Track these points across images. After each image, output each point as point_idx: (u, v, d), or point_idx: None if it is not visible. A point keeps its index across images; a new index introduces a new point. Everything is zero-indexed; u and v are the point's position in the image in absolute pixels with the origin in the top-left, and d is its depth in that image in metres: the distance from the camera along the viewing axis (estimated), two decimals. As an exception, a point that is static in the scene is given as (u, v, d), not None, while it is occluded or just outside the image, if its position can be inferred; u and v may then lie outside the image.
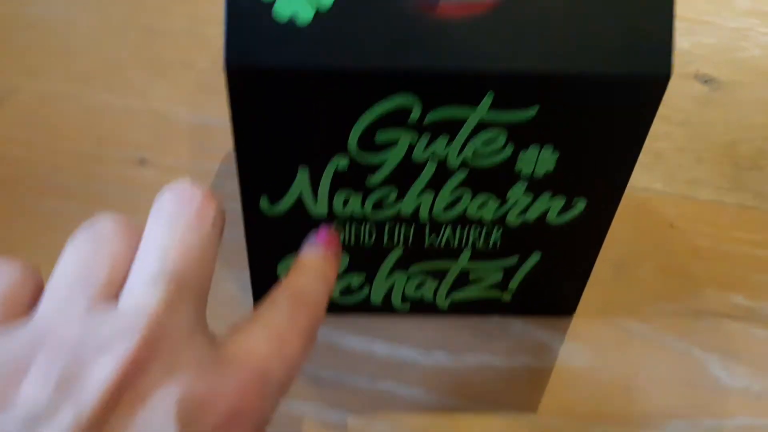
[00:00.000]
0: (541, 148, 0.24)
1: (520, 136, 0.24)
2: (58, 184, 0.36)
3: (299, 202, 0.26)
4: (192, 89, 0.40)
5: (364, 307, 0.31)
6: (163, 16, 0.44)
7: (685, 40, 0.45)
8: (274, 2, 0.21)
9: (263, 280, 0.30)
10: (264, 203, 0.26)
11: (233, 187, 0.35)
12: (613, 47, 0.22)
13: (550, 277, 0.30)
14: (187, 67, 0.41)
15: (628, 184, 0.37)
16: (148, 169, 0.36)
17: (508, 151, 0.24)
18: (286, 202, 0.26)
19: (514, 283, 0.30)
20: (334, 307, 0.31)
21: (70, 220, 0.34)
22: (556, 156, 0.25)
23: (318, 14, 0.21)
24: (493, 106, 0.23)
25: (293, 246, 0.28)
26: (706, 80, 0.43)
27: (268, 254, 0.28)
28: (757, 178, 0.38)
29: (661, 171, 0.38)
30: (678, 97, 0.41)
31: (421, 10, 0.22)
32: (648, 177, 0.38)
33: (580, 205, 0.26)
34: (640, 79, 0.22)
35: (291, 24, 0.21)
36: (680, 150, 0.39)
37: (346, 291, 0.30)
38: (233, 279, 0.33)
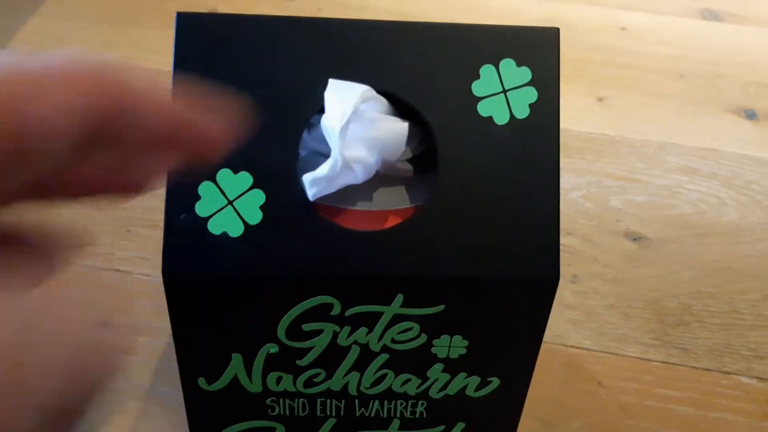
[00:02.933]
0: (452, 336, 0.27)
1: (432, 327, 0.27)
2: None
3: (235, 382, 0.28)
4: (156, 248, 0.43)
5: (303, 473, 0.32)
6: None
7: (617, 198, 0.49)
8: (209, 218, 0.25)
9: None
10: (202, 382, 0.28)
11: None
12: (507, 255, 0.25)
13: (476, 443, 0.32)
14: (152, 227, 0.44)
15: (560, 341, 0.40)
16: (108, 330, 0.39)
17: (423, 338, 0.27)
18: (223, 382, 0.28)
19: (442, 450, 0.32)
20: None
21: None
22: (466, 342, 0.27)
23: (247, 229, 0.25)
24: (404, 304, 0.26)
25: (231, 419, 0.30)
26: (636, 238, 0.46)
27: (208, 426, 0.30)
28: (681, 334, 0.41)
29: (591, 328, 0.41)
30: (609, 254, 0.45)
31: (336, 224, 0.25)
32: (578, 335, 0.40)
33: (495, 383, 0.29)
34: (531, 283, 0.25)
35: (223, 237, 0.25)
36: (610, 307, 0.42)
37: (284, 458, 0.32)
38: (181, 441, 0.34)
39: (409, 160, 0.27)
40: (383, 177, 0.28)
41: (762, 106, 0.57)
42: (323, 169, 0.23)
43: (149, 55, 0.57)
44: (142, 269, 0.42)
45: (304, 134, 0.26)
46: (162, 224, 0.44)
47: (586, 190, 0.49)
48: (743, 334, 0.41)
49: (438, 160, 0.25)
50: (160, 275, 0.42)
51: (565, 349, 0.40)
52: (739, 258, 0.45)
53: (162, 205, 0.45)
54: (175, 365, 0.37)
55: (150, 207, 0.45)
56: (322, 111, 0.26)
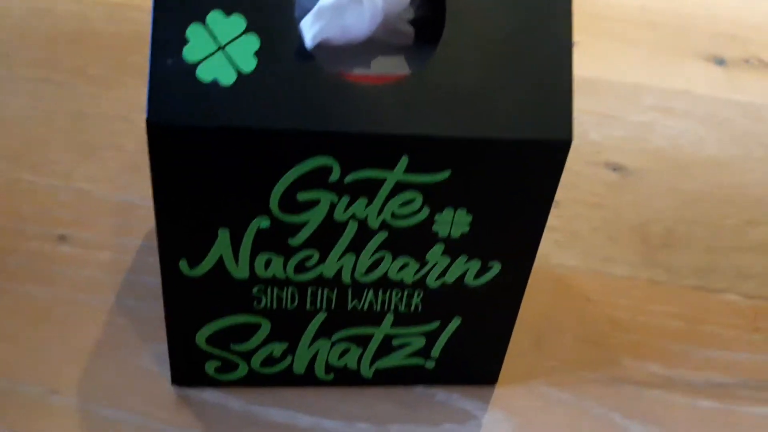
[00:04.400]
0: (456, 210, 0.25)
1: (436, 198, 0.25)
2: (-28, 259, 0.35)
3: (220, 265, 0.26)
4: (118, 170, 0.40)
5: (287, 379, 0.30)
6: (93, 101, 0.44)
7: (595, 132, 0.48)
8: (198, 64, 0.22)
9: (182, 351, 0.29)
10: (184, 266, 0.26)
11: (154, 262, 0.35)
12: (518, 115, 0.24)
13: (471, 343, 0.30)
14: (114, 149, 0.41)
15: (546, 261, 0.39)
16: (67, 246, 0.36)
17: (425, 212, 0.25)
18: (206, 265, 0.26)
19: (436, 351, 0.30)
20: (256, 379, 0.30)
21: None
22: (470, 218, 0.26)
23: (240, 77, 0.22)
24: (409, 169, 0.24)
25: (213, 313, 0.28)
26: (616, 168, 0.45)
27: (187, 322, 0.28)
28: (667, 255, 0.40)
29: (577, 249, 0.40)
30: (591, 183, 0.44)
31: (340, 76, 0.23)
32: (565, 254, 0.39)
33: (495, 268, 0.27)
34: (543, 145, 0.24)
35: (213, 85, 0.22)
36: (594, 230, 0.41)
37: (268, 361, 0.29)
38: (150, 353, 0.32)
39: (411, 24, 0.26)
40: (382, 44, 0.26)
41: (730, 54, 0.57)
42: (330, -4, 0.21)
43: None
44: (104, 188, 0.39)
45: (299, -10, 0.24)
46: (125, 147, 0.41)
47: (565, 123, 0.48)
48: (727, 255, 0.40)
49: (445, 14, 0.24)
50: (124, 194, 0.40)
51: (551, 268, 0.38)
52: (719, 187, 0.45)
53: (123, 127, 0.43)
54: (143, 279, 0.35)
55: (112, 130, 0.43)
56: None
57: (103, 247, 0.36)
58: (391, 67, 0.25)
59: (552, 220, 0.41)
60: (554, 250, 0.39)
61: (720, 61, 0.57)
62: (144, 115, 0.43)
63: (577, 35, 0.57)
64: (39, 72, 0.46)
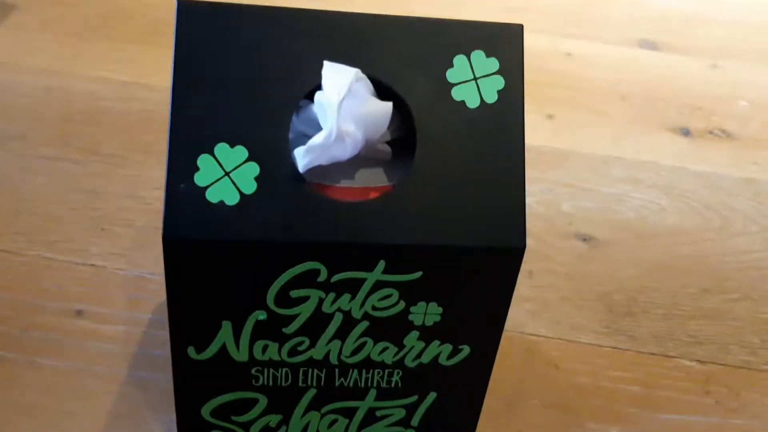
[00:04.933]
0: (428, 303, 0.29)
1: (410, 294, 0.29)
2: (0, 334, 0.39)
3: (223, 350, 0.30)
4: (129, 246, 0.44)
5: (282, 446, 0.34)
6: (105, 179, 0.49)
7: (567, 204, 0.52)
8: (207, 187, 0.26)
9: (188, 423, 0.33)
10: (191, 351, 0.30)
11: (164, 335, 0.39)
12: (479, 225, 0.28)
13: (446, 413, 0.34)
14: (125, 226, 0.45)
15: (520, 329, 0.43)
16: (83, 320, 0.40)
17: (401, 305, 0.29)
18: (211, 350, 0.30)
19: (416, 420, 0.34)
20: (254, 447, 0.34)
21: (12, 369, 0.37)
22: (441, 309, 0.30)
23: (243, 198, 0.27)
24: (386, 270, 0.28)
25: (217, 389, 0.31)
26: (585, 238, 0.50)
27: (194, 397, 0.32)
28: (629, 323, 0.44)
29: (547, 318, 0.43)
30: (562, 253, 0.48)
31: (325, 195, 0.27)
32: (536, 323, 0.43)
33: (465, 350, 0.31)
34: (500, 251, 0.28)
35: (220, 205, 0.26)
36: (564, 299, 0.45)
37: (265, 430, 0.33)
38: (159, 422, 0.35)
39: (388, 144, 0.30)
40: (364, 159, 0.30)
41: (695, 125, 0.62)
42: (318, 138, 0.26)
43: (117, 67, 0.58)
44: (117, 264, 0.43)
45: (293, 117, 0.28)
46: (135, 223, 0.45)
47: (539, 196, 0.52)
48: (684, 323, 0.44)
49: (416, 140, 0.28)
50: (135, 270, 0.44)
51: (523, 337, 0.42)
52: (679, 257, 0.49)
53: (135, 205, 0.47)
54: (153, 351, 0.38)
55: (123, 207, 0.47)
56: (308, 96, 0.28)
57: (117, 321, 0.40)
58: (372, 179, 0.30)
59: (526, 290, 0.45)
60: (527, 319, 0.43)
61: (685, 132, 0.61)
62: (151, 192, 0.47)
63: (554, 108, 0.62)
64: (54, 151, 0.50)
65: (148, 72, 0.58)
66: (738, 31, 0.75)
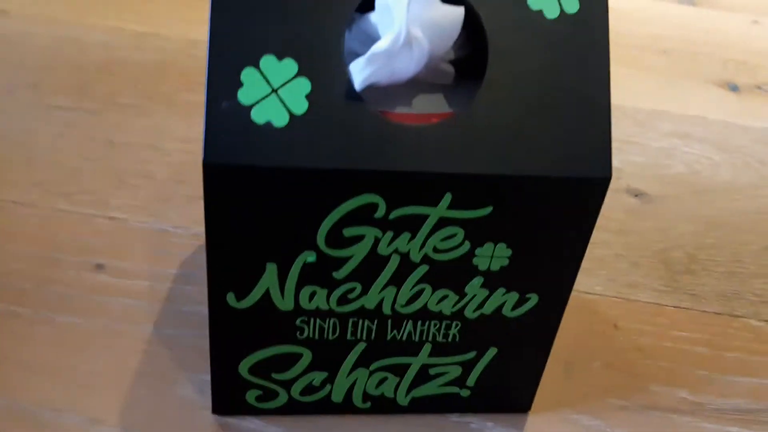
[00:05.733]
0: (496, 244, 0.26)
1: (476, 233, 0.26)
2: (12, 288, 0.35)
3: (266, 298, 0.27)
4: (150, 198, 0.41)
5: (325, 407, 0.31)
6: (123, 130, 0.45)
7: (615, 158, 0.49)
8: (252, 106, 0.23)
9: (224, 380, 0.30)
10: (231, 299, 0.26)
11: (191, 291, 0.36)
12: (557, 153, 0.24)
13: (506, 373, 0.31)
14: (146, 178, 0.42)
15: (573, 288, 0.39)
16: (104, 274, 0.37)
17: (466, 247, 0.26)
18: (253, 297, 0.26)
19: (472, 379, 0.31)
20: (295, 407, 0.31)
21: (25, 323, 0.34)
22: (509, 252, 0.26)
23: (292, 119, 0.23)
24: (451, 205, 0.25)
25: (257, 343, 0.28)
26: (637, 194, 0.46)
27: (231, 352, 0.28)
28: (690, 281, 0.41)
29: (602, 276, 0.40)
30: (612, 209, 0.45)
31: (386, 117, 0.24)
32: (590, 281, 0.40)
33: (533, 300, 0.28)
34: (582, 182, 0.24)
35: (267, 127, 0.23)
36: (618, 256, 0.42)
37: (308, 389, 0.30)
38: (190, 382, 0.32)
39: (451, 64, 0.26)
40: (423, 83, 0.27)
41: (742, 80, 0.58)
42: (384, 43, 0.22)
43: (131, 17, 0.55)
44: (139, 217, 0.40)
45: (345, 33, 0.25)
46: (156, 175, 0.42)
47: (584, 150, 0.49)
48: (748, 281, 0.41)
49: (486, 56, 0.24)
50: (158, 223, 0.41)
51: (578, 295, 0.39)
52: (737, 213, 0.45)
53: (153, 156, 0.43)
54: (181, 307, 0.35)
55: (142, 158, 0.43)
56: (361, 8, 0.25)
57: (140, 276, 0.37)
58: (431, 106, 0.26)
59: (575, 246, 0.42)
60: (580, 276, 0.40)
61: (733, 87, 0.58)
62: (172, 144, 0.44)
63: (593, 61, 0.58)
64: (68, 101, 0.47)
65: (163, 22, 0.55)
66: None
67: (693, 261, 0.42)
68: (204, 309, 0.35)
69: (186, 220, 0.40)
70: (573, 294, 0.39)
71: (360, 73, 0.23)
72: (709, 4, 0.68)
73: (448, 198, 0.25)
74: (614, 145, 0.50)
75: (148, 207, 0.40)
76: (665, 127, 0.52)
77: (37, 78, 0.48)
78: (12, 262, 0.37)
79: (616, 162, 0.49)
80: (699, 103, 0.55)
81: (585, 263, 0.41)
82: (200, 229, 0.39)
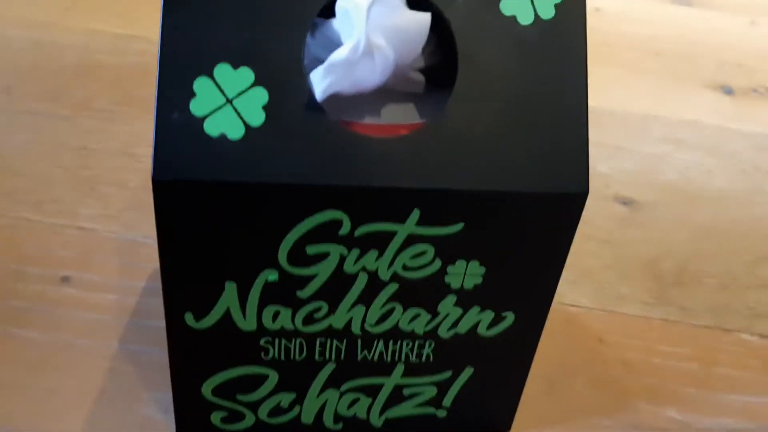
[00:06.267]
0: (469, 261, 0.25)
1: (448, 251, 0.24)
2: (-26, 303, 0.34)
3: (226, 317, 0.25)
4: (121, 207, 0.40)
5: (295, 429, 0.29)
6: (97, 136, 0.44)
7: (604, 165, 0.48)
8: (205, 118, 0.22)
9: (187, 402, 0.28)
10: (189, 319, 0.25)
11: (158, 304, 0.35)
12: (532, 166, 0.23)
13: (484, 392, 0.29)
14: (118, 186, 0.41)
15: (558, 300, 0.38)
16: (70, 287, 0.35)
17: (437, 264, 0.25)
18: (213, 317, 0.25)
19: (448, 400, 0.29)
20: (263, 429, 0.29)
21: (-16, 339, 0.33)
22: (483, 269, 0.25)
23: (248, 131, 0.22)
24: (420, 221, 0.23)
25: (220, 364, 0.27)
26: (626, 202, 0.45)
27: (192, 373, 0.27)
28: (680, 293, 0.39)
29: (588, 287, 0.39)
30: (600, 218, 0.43)
31: (349, 129, 0.23)
32: (576, 293, 0.39)
33: (509, 318, 0.27)
34: (559, 197, 0.23)
35: (221, 139, 0.22)
36: (606, 267, 0.40)
37: (276, 411, 0.29)
38: (155, 401, 0.31)
39: (421, 72, 0.25)
40: (392, 92, 0.25)
41: (737, 83, 0.57)
42: (342, 52, 0.21)
43: (111, 18, 0.54)
44: (109, 227, 0.38)
45: (307, 38, 0.24)
46: (128, 183, 0.41)
47: (573, 156, 0.48)
48: (740, 293, 0.40)
49: (456, 65, 0.23)
50: (128, 233, 0.39)
51: (563, 308, 0.38)
52: (730, 221, 0.44)
53: (126, 163, 0.42)
54: (147, 323, 0.34)
55: (115, 165, 0.42)
56: (324, 13, 0.23)
57: (107, 289, 0.35)
58: (401, 115, 0.25)
59: (562, 257, 0.41)
60: (566, 288, 0.39)
61: (728, 90, 0.57)
62: (147, 150, 0.43)
63: (584, 64, 0.57)
64: (43, 106, 0.46)
65: (144, 24, 0.53)
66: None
67: (683, 272, 0.41)
68: (173, 324, 0.33)
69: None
70: (557, 307, 0.38)
71: (320, 83, 0.22)
72: (705, 5, 0.66)
73: (416, 214, 0.23)
74: (604, 151, 0.49)
75: (118, 216, 0.39)
76: (657, 132, 0.51)
77: (10, 82, 0.47)
78: (-25, 275, 0.35)
79: (605, 169, 0.47)
80: (693, 106, 0.54)
81: (571, 275, 0.40)
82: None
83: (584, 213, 0.43)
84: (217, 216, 0.22)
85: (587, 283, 0.39)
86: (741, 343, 0.37)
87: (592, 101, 0.53)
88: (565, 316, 0.37)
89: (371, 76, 0.22)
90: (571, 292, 0.39)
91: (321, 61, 0.24)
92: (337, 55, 0.21)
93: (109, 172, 0.42)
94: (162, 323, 0.34)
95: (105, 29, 0.52)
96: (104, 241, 0.38)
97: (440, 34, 0.24)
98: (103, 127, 0.45)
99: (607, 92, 0.54)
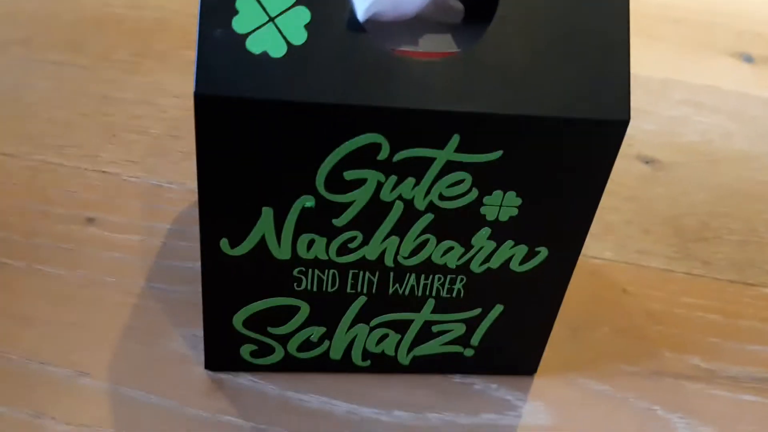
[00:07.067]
0: (505, 192, 0.25)
1: (485, 180, 0.24)
2: (2, 240, 0.34)
3: (261, 245, 0.25)
4: (144, 153, 0.40)
5: (323, 364, 0.29)
6: (117, 85, 0.44)
7: (625, 123, 0.47)
8: (248, 35, 0.22)
9: (217, 334, 0.28)
10: (225, 245, 0.25)
11: (184, 246, 0.35)
12: (573, 93, 0.23)
13: (512, 332, 0.29)
14: (139, 133, 0.41)
15: (581, 252, 0.38)
16: (95, 228, 0.35)
17: (473, 194, 0.25)
18: (248, 244, 0.25)
19: (476, 339, 0.29)
20: (291, 364, 0.29)
21: (13, 275, 0.33)
22: (519, 201, 0.25)
23: (290, 49, 0.22)
24: (459, 148, 0.23)
25: (253, 294, 0.27)
26: (648, 161, 0.45)
27: (225, 304, 0.27)
28: (703, 249, 0.39)
29: (612, 241, 0.39)
30: (623, 175, 0.43)
31: (391, 52, 0.22)
32: (599, 246, 0.38)
33: (542, 254, 0.27)
34: (600, 124, 0.23)
35: (263, 57, 0.22)
36: (628, 222, 0.40)
37: (305, 345, 0.29)
38: (182, 337, 0.31)
39: (460, 1, 0.25)
40: (430, 22, 0.25)
41: (757, 51, 0.57)
42: (390, -36, 0.21)
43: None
44: (131, 171, 0.38)
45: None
46: (150, 130, 0.41)
47: (594, 115, 0.47)
48: (763, 250, 0.40)
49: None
50: (151, 178, 0.39)
51: (586, 260, 0.38)
52: (752, 182, 0.44)
53: (148, 111, 0.42)
54: (173, 263, 0.34)
55: (136, 114, 0.42)
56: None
57: (131, 230, 0.35)
58: (439, 45, 0.25)
59: (584, 211, 0.40)
60: (589, 241, 0.38)
61: (748, 58, 0.56)
62: (168, 100, 0.42)
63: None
64: (62, 56, 0.45)
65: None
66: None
67: (706, 228, 0.40)
68: (197, 265, 0.33)
69: (181, 176, 0.38)
70: (581, 258, 0.38)
71: (362, 2, 0.21)
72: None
73: (456, 140, 0.23)
74: (625, 111, 0.48)
75: (141, 162, 0.39)
76: (678, 96, 0.51)
77: (30, 33, 0.47)
78: (1, 214, 0.35)
79: (628, 129, 0.47)
80: (712, 73, 0.53)
81: (594, 228, 0.39)
82: (195, 185, 0.38)
83: (606, 170, 0.43)
84: (256, 136, 0.22)
85: (610, 238, 0.39)
86: (764, 297, 0.37)
87: (613, 64, 0.53)
88: (589, 267, 0.37)
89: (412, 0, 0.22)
90: (595, 245, 0.39)
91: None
92: (385, -32, 0.21)
93: (130, 119, 0.42)
94: (187, 263, 0.34)
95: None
96: (128, 185, 0.38)
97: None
98: (124, 77, 0.45)
99: (628, 56, 0.54)
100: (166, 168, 0.39)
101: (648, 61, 0.54)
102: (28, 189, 0.37)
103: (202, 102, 0.21)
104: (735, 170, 0.45)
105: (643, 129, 0.47)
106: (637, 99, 0.50)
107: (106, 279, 0.33)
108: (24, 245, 0.34)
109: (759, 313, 0.36)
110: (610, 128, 0.23)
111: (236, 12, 0.22)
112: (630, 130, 0.47)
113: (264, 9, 0.22)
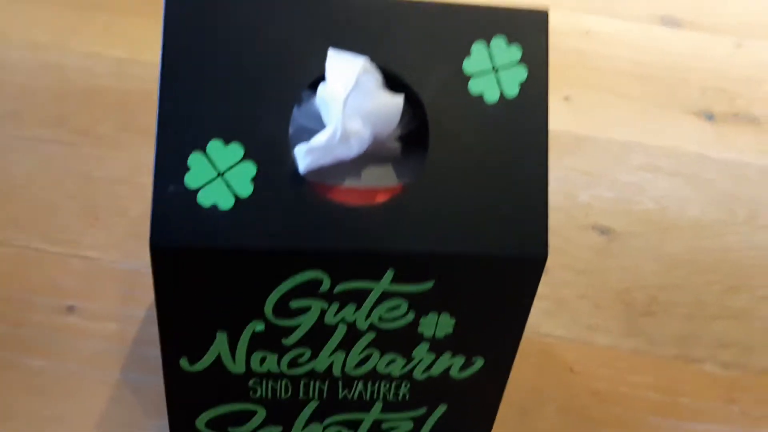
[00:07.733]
0: (440, 314, 0.27)
1: (420, 305, 0.27)
2: (-15, 331, 0.37)
3: (218, 362, 0.28)
4: (124, 236, 0.42)
5: (281, 457, 0.32)
6: (100, 162, 0.46)
7: (585, 193, 0.50)
8: (198, 190, 0.24)
9: (183, 433, 0.31)
10: (184, 363, 0.27)
11: (157, 333, 0.37)
12: (497, 231, 0.25)
13: (457, 425, 0.32)
14: (120, 215, 0.43)
15: (534, 330, 0.40)
16: (74, 317, 0.38)
17: (410, 316, 0.27)
18: (205, 362, 0.28)
19: (423, 432, 0.32)
20: (252, 458, 0.32)
21: (1, 369, 0.35)
22: (453, 321, 0.27)
23: (238, 201, 0.24)
24: (394, 279, 0.26)
25: (211, 402, 0.29)
26: (603, 231, 0.47)
27: (187, 409, 0.29)
28: (649, 324, 0.41)
29: (564, 317, 0.41)
30: (578, 247, 0.46)
31: (327, 198, 0.25)
32: (551, 323, 0.41)
33: (479, 363, 0.29)
34: (519, 260, 0.25)
35: (213, 209, 0.24)
36: (581, 297, 0.43)
37: (264, 442, 0.31)
38: (153, 427, 0.33)
39: (398, 139, 0.27)
40: (371, 155, 0.27)
41: (719, 108, 0.59)
42: (321, 138, 0.23)
43: (114, 41, 0.56)
44: (111, 256, 0.41)
45: (294, 109, 0.26)
46: (130, 212, 0.43)
47: (555, 184, 0.50)
48: (708, 323, 0.42)
49: (428, 137, 0.25)
50: (129, 262, 0.42)
51: (538, 338, 0.40)
52: (702, 251, 0.46)
53: (131, 192, 0.44)
54: (147, 352, 0.36)
55: (118, 194, 0.44)
56: (311, 86, 0.25)
57: (109, 318, 0.38)
58: (380, 177, 0.27)
59: (542, 287, 0.43)
60: (542, 319, 0.41)
61: (709, 116, 0.58)
62: (147, 179, 0.45)
63: (571, 89, 0.59)
64: (48, 132, 0.48)
65: (146, 47, 0.55)
66: (766, 8, 0.71)
67: (653, 302, 0.43)
68: (170, 353, 0.36)
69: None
70: (533, 337, 0.40)
71: (302, 160, 0.24)
72: (693, 26, 0.68)
73: (390, 273, 0.25)
74: (585, 179, 0.51)
75: (121, 245, 0.41)
76: (637, 159, 0.53)
77: (17, 106, 0.49)
78: (-14, 304, 0.38)
79: (585, 197, 0.49)
80: (674, 133, 0.56)
81: (548, 305, 0.42)
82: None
83: (563, 243, 0.45)
84: (209, 277, 0.25)
85: (563, 313, 0.41)
86: (705, 373, 0.39)
87: (577, 128, 0.55)
88: (539, 346, 0.40)
89: (348, 153, 0.24)
90: (548, 322, 0.41)
91: (307, 130, 0.26)
92: (317, 140, 0.23)
93: (111, 200, 0.44)
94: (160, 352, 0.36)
95: (108, 52, 0.55)
96: (107, 271, 0.40)
97: (415, 104, 0.26)
98: (106, 153, 0.47)
99: (592, 118, 0.56)
100: (144, 251, 0.41)
101: (613, 121, 0.56)
102: (12, 277, 0.39)
103: (158, 253, 0.24)
104: (686, 239, 0.47)
105: (601, 197, 0.49)
106: (598, 163, 0.52)
107: (83, 370, 0.35)
108: (10, 336, 0.36)
109: (698, 390, 0.38)
110: (529, 264, 0.26)
111: (188, 169, 0.24)
112: (588, 198, 0.49)
113: (213, 165, 0.24)
